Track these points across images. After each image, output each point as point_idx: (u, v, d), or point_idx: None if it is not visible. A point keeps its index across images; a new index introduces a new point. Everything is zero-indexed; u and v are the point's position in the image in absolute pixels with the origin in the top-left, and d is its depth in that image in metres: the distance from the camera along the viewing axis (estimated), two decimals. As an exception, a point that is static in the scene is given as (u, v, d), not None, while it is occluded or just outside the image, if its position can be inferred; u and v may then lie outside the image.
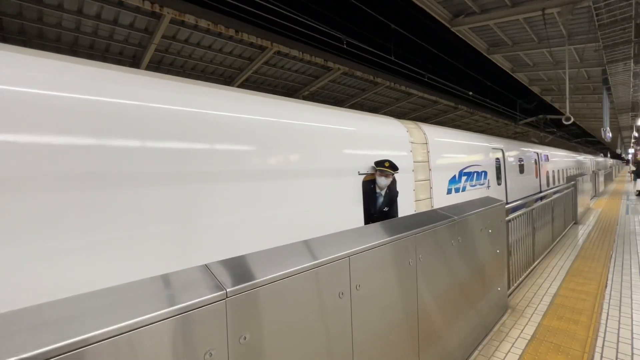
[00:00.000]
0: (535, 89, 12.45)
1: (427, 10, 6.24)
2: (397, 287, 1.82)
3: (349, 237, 1.74)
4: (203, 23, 5.36)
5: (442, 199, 5.43)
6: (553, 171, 13.47)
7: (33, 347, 0.75)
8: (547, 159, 12.57)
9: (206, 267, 1.23)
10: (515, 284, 3.83)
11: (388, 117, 5.29)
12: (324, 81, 8.53)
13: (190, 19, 5.20)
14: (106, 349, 0.84)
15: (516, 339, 2.75)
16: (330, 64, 7.77)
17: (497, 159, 7.87)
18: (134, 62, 6.16)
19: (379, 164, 3.79)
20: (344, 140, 3.86)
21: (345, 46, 7.04)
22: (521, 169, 9.44)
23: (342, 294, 1.49)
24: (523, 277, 4.09)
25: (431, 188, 5.16)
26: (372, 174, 3.91)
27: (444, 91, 12.07)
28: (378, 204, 3.90)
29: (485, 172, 7.06)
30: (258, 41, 6.19)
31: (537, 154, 11.35)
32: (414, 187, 4.81)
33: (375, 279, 1.68)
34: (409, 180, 4.71)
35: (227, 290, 1.08)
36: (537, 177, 10.97)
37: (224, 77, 7.54)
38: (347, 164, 3.80)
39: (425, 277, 2.04)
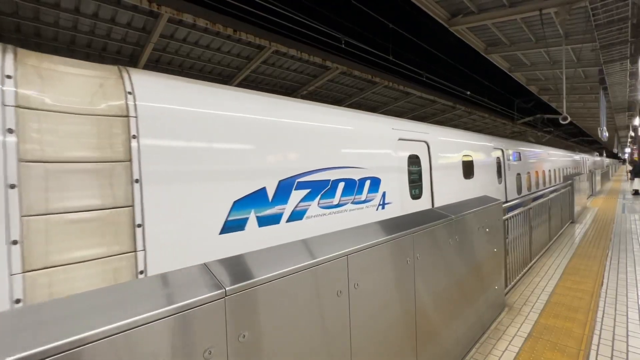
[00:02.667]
0: (533, 89, 12.50)
1: (425, 9, 6.24)
2: (395, 286, 1.83)
3: (347, 236, 1.75)
4: (201, 22, 5.34)
5: (198, 251, 2.51)
6: (529, 174, 10.66)
7: (32, 346, 0.75)
8: (518, 157, 9.82)
9: (205, 266, 1.24)
10: (512, 283, 3.86)
11: None
12: (322, 80, 8.53)
13: (188, 17, 5.18)
14: (105, 348, 0.84)
15: (513, 337, 2.77)
16: (328, 64, 7.77)
17: (414, 157, 5.04)
18: (131, 61, 6.14)
19: None
20: None
21: (343, 45, 7.04)
22: (468, 172, 6.64)
23: (341, 292, 1.50)
24: (520, 275, 4.12)
25: (139, 228, 2.25)
26: None
27: (442, 91, 12.09)
28: None
29: (376, 181, 4.17)
30: (256, 40, 6.18)
31: (503, 150, 8.73)
32: (29, 232, 1.88)
33: (374, 277, 1.69)
34: None
35: (226, 289, 1.08)
36: (501, 183, 8.38)
37: (222, 76, 7.52)
38: None
39: (423, 276, 2.05)
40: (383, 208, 4.28)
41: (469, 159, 6.83)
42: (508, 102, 17.57)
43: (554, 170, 14.50)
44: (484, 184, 7.35)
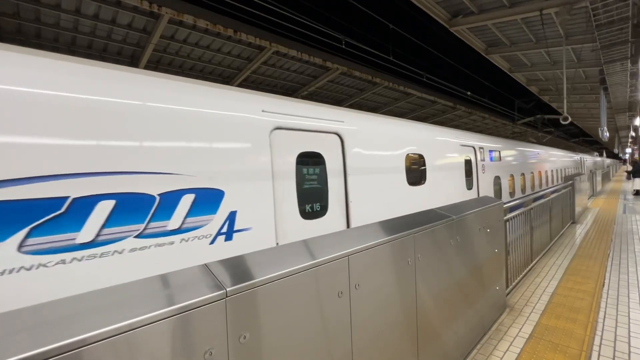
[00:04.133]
0: (533, 89, 12.51)
1: (426, 10, 6.25)
2: (396, 286, 1.83)
3: (348, 236, 1.74)
4: (201, 23, 5.35)
5: None
6: (513, 177, 9.05)
7: (32, 347, 0.75)
8: (498, 157, 8.26)
9: (206, 266, 1.23)
10: (514, 283, 3.85)
11: None
12: (322, 81, 8.54)
13: (188, 18, 5.19)
14: (106, 349, 0.84)
15: (514, 338, 2.76)
16: (329, 64, 7.78)
17: (314, 155, 3.53)
18: (132, 62, 6.15)
19: None
20: None
21: (344, 46, 7.05)
22: (416, 176, 5.10)
23: (342, 293, 1.49)
24: (521, 276, 4.11)
25: None
26: None
27: (442, 91, 12.12)
28: None
29: (209, 195, 2.58)
30: (257, 41, 6.19)
31: (474, 149, 7.05)
32: None
33: (375, 278, 1.69)
34: None
35: (227, 289, 1.08)
36: (471, 189, 6.75)
37: (222, 76, 7.53)
38: None
39: (424, 277, 2.05)
40: (229, 239, 2.66)
41: (419, 159, 5.20)
42: (508, 102, 17.61)
43: (546, 172, 12.83)
44: (443, 192, 5.70)
